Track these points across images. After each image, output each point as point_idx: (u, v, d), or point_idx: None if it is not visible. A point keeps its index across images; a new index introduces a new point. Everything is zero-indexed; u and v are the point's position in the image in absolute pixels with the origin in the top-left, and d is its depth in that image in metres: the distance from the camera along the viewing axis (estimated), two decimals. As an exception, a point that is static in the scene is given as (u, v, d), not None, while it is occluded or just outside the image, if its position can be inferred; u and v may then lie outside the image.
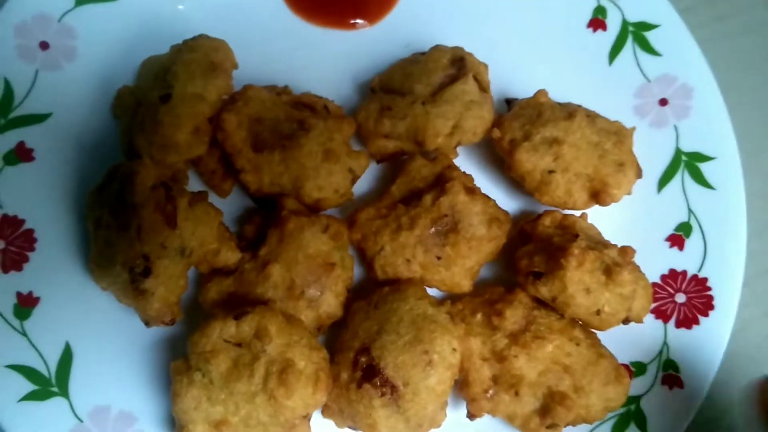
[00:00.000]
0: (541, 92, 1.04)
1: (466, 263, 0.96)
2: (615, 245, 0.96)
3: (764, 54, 1.25)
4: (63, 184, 1.02)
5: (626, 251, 0.96)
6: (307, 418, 0.87)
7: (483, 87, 1.03)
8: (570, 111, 1.00)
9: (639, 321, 0.94)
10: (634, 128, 1.03)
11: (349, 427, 0.92)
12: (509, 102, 1.06)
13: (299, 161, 0.96)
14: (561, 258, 0.90)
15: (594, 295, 0.90)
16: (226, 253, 0.92)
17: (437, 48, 1.05)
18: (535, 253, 0.94)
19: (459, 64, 1.02)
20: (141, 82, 1.02)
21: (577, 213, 1.01)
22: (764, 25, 1.27)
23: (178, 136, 0.92)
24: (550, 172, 0.98)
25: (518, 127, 1.00)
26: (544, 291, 0.92)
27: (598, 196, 0.97)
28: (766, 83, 1.24)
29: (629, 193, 0.99)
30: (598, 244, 0.95)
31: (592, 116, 1.02)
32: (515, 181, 1.02)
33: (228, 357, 0.85)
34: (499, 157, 1.04)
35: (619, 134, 1.01)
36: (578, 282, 0.90)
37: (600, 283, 0.90)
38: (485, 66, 1.05)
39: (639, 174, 1.01)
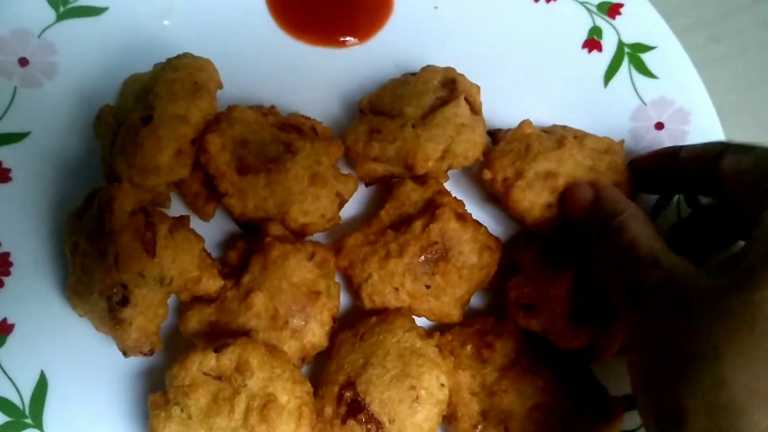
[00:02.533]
0: (526, 123, 1.00)
1: (456, 292, 0.94)
2: None
3: (762, 76, 1.24)
4: (41, 206, 0.99)
5: None
6: (289, 454, 0.85)
7: (475, 109, 1.01)
8: (558, 138, 0.98)
9: None
10: (623, 141, 1.01)
11: (333, 463, 0.89)
12: (493, 134, 1.02)
13: (285, 185, 0.93)
14: (551, 290, 0.88)
15: (587, 327, 0.88)
16: (207, 281, 0.89)
17: (428, 69, 1.03)
18: (525, 285, 0.92)
19: (450, 86, 1.00)
20: (122, 102, 0.99)
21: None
22: (762, 47, 1.25)
23: (159, 159, 0.89)
24: (550, 206, 0.94)
25: (509, 165, 0.96)
26: (535, 324, 0.90)
27: None
28: (763, 106, 1.22)
29: None
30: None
31: (580, 137, 1.00)
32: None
33: (207, 391, 0.82)
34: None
35: (611, 151, 0.99)
36: (569, 315, 0.87)
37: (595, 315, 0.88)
38: (477, 87, 1.02)
39: (632, 188, 0.99)
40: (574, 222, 0.92)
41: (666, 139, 1.07)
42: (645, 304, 0.75)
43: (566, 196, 0.93)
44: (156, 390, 0.85)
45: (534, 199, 0.94)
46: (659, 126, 1.07)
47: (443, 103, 0.98)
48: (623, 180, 0.97)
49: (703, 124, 1.07)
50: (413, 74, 1.04)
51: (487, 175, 0.97)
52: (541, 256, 0.95)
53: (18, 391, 0.92)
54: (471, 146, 0.97)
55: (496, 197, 0.99)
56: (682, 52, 1.09)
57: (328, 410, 0.86)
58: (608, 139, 1.01)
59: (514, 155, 0.97)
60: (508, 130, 1.01)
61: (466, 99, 0.98)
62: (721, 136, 1.06)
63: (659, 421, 0.70)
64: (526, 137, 0.99)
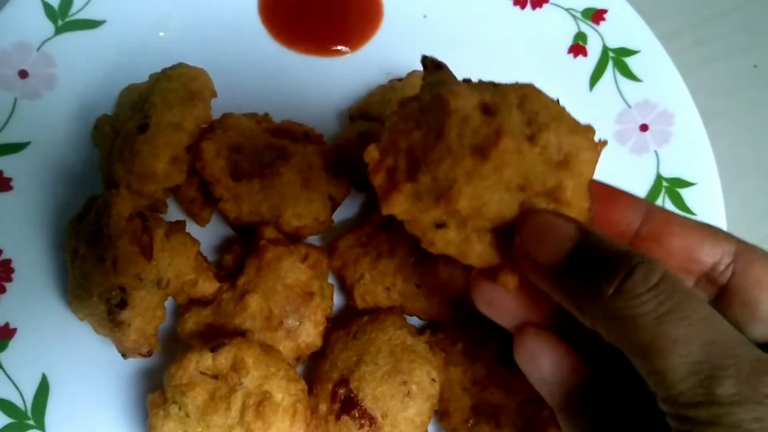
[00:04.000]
0: (454, 93, 0.62)
1: (447, 291, 0.95)
2: None
3: (745, 79, 1.26)
4: (42, 213, 1.02)
5: None
6: (285, 450, 0.87)
7: (462, 112, 1.03)
8: (492, 127, 0.61)
9: None
10: (601, 144, 0.65)
11: (329, 459, 0.91)
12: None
13: (278, 189, 0.95)
14: None
15: None
16: (203, 283, 0.91)
17: (414, 74, 1.06)
18: None
19: (437, 91, 1.02)
20: (119, 111, 1.02)
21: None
22: (745, 50, 1.28)
23: (155, 165, 0.92)
24: (439, 226, 0.64)
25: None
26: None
27: None
28: (746, 109, 1.24)
29: None
30: None
31: (533, 126, 0.62)
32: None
33: (204, 390, 0.84)
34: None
35: (566, 166, 0.62)
36: None
37: None
38: (464, 91, 1.04)
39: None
40: (533, 275, 0.64)
41: (650, 141, 1.09)
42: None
43: (528, 232, 0.62)
44: (155, 390, 0.87)
45: (418, 214, 0.65)
46: (644, 128, 1.10)
47: (430, 106, 1.00)
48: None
49: (686, 126, 1.09)
50: (400, 80, 1.06)
51: (373, 153, 0.68)
52: None
53: (20, 393, 0.94)
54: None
55: None
56: (665, 56, 1.12)
57: (323, 407, 0.88)
58: (580, 137, 0.63)
59: (423, 137, 0.65)
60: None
61: (452, 102, 1.01)
62: (704, 138, 1.08)
63: None
64: (448, 113, 0.62)
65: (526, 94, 0.64)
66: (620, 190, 0.70)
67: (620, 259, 0.55)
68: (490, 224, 0.64)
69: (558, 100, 0.67)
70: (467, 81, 0.69)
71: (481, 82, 0.68)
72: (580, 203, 0.63)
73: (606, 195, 0.68)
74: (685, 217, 0.67)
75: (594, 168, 0.63)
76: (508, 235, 0.64)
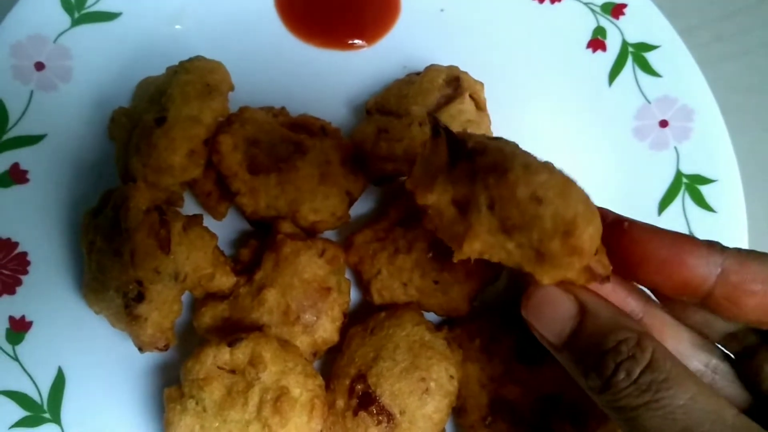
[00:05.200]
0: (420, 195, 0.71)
1: (464, 288, 0.95)
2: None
3: (765, 75, 1.25)
4: (57, 206, 1.01)
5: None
6: (301, 446, 0.86)
7: (480, 106, 1.02)
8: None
9: None
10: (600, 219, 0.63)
11: (345, 455, 0.90)
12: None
13: (295, 184, 0.95)
14: None
15: None
16: (220, 277, 0.91)
17: (432, 68, 1.05)
18: None
19: (455, 84, 1.02)
20: (136, 103, 1.01)
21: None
22: (765, 46, 1.26)
23: (173, 158, 0.91)
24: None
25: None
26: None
27: None
28: (766, 104, 1.23)
29: None
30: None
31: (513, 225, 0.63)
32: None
33: (222, 384, 0.84)
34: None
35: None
36: None
37: None
38: (481, 84, 1.04)
39: None
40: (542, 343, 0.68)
41: (670, 137, 1.08)
42: None
43: (528, 307, 0.66)
44: (171, 384, 0.87)
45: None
46: (663, 123, 1.09)
47: (448, 100, 1.00)
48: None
49: (706, 122, 1.08)
50: (418, 74, 1.05)
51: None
52: None
53: (36, 386, 0.94)
54: (477, 143, 0.98)
55: None
56: (685, 51, 1.11)
57: (340, 403, 0.88)
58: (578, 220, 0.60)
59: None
60: None
61: (470, 96, 1.00)
62: (725, 134, 1.07)
63: None
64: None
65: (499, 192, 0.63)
66: (690, 239, 0.66)
67: (609, 351, 0.58)
68: None
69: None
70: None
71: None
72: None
73: (672, 246, 0.65)
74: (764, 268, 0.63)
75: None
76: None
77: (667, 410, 0.55)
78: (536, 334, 0.66)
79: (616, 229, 0.67)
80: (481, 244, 0.65)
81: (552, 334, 0.63)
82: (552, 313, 0.63)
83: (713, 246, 0.65)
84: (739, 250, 0.64)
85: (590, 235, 0.59)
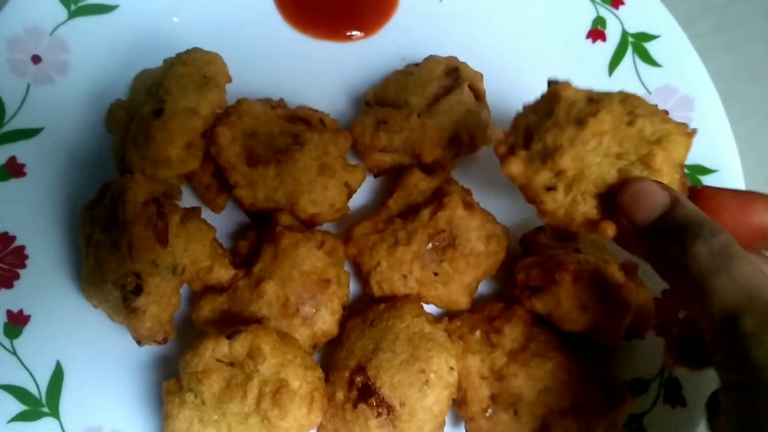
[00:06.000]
0: (564, 85, 0.81)
1: (464, 280, 0.95)
2: (617, 260, 0.94)
3: (765, 64, 1.24)
4: (55, 199, 1.01)
5: (629, 266, 0.93)
6: (301, 438, 0.86)
7: (479, 96, 1.02)
8: (591, 109, 0.77)
9: (641, 338, 0.92)
10: (690, 132, 0.77)
11: (345, 448, 0.90)
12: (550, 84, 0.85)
13: (294, 176, 0.94)
14: (556, 273, 0.88)
15: (591, 311, 0.88)
16: (218, 270, 0.90)
17: (431, 58, 1.04)
18: (532, 267, 0.92)
19: (454, 75, 1.01)
20: (133, 96, 1.01)
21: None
22: (765, 34, 1.26)
23: (170, 151, 0.91)
24: (548, 189, 0.79)
25: (521, 131, 0.82)
26: (540, 306, 0.90)
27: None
28: (767, 94, 1.22)
29: None
30: (600, 258, 0.93)
31: (630, 114, 0.77)
32: (516, 194, 1.00)
33: (220, 377, 0.83)
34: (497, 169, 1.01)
35: (660, 143, 0.75)
36: (573, 298, 0.88)
37: (598, 298, 0.88)
38: (480, 75, 1.03)
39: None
40: (626, 229, 0.75)
41: (671, 127, 1.07)
42: None
43: (626, 194, 0.73)
44: (170, 378, 0.87)
45: (531, 175, 0.79)
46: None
47: (447, 91, 1.00)
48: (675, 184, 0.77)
49: (707, 111, 1.08)
50: (416, 65, 1.05)
51: (498, 134, 0.84)
52: (552, 239, 0.96)
53: (35, 380, 0.93)
54: (477, 133, 0.98)
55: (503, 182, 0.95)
56: (685, 40, 1.10)
57: (340, 395, 0.87)
58: (669, 126, 0.76)
59: (538, 119, 0.81)
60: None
61: (469, 86, 1.00)
62: (725, 123, 1.07)
63: None
64: (556, 101, 0.80)
65: (627, 96, 0.79)
66: (757, 193, 0.79)
67: (692, 228, 0.67)
68: (594, 188, 0.76)
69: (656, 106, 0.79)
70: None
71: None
72: (671, 173, 0.75)
73: (741, 199, 0.78)
74: None
75: (685, 150, 0.76)
76: (608, 201, 0.76)
77: (734, 274, 0.63)
78: (625, 218, 0.74)
79: (693, 191, 0.79)
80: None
81: (642, 215, 0.71)
82: (647, 199, 0.71)
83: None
84: None
85: (684, 144, 0.76)
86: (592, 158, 0.76)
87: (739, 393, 0.62)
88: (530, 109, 0.83)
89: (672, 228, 0.69)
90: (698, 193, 0.78)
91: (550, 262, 0.91)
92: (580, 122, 0.76)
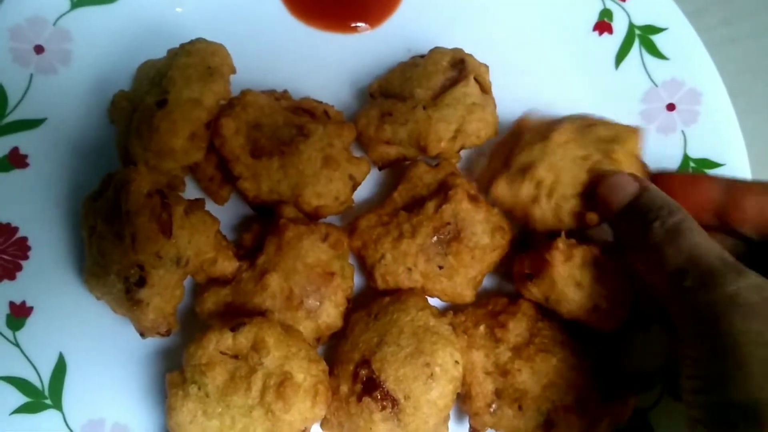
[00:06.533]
0: (527, 116, 1.01)
1: (469, 273, 0.94)
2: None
3: (773, 57, 1.23)
4: (58, 191, 1.00)
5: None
6: (305, 432, 0.85)
7: (485, 89, 1.01)
8: (551, 127, 0.94)
9: None
10: (637, 128, 0.95)
11: (349, 441, 0.90)
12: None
13: (298, 168, 0.93)
14: (546, 254, 0.88)
15: (586, 290, 0.88)
16: (222, 262, 0.90)
17: (437, 50, 1.03)
18: (526, 257, 0.92)
19: (459, 66, 1.00)
20: (137, 86, 1.00)
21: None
22: (773, 28, 1.25)
23: (174, 142, 0.90)
24: (534, 200, 0.92)
25: (499, 159, 0.97)
26: (536, 292, 0.91)
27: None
28: (775, 88, 1.22)
29: None
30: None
31: (585, 125, 0.94)
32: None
33: (224, 369, 0.83)
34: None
35: (617, 140, 0.92)
36: (567, 277, 0.88)
37: (593, 277, 0.88)
38: (486, 67, 1.02)
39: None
40: (605, 215, 0.90)
41: (677, 121, 1.07)
42: (714, 316, 0.70)
43: (603, 186, 0.88)
44: (173, 370, 0.86)
45: (515, 191, 0.93)
46: (671, 107, 1.07)
47: (453, 83, 0.99)
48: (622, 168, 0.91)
49: (714, 105, 1.07)
50: (422, 56, 1.04)
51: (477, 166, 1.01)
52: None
53: (37, 372, 0.93)
54: (483, 125, 0.97)
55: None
56: (692, 33, 1.09)
57: (344, 388, 0.87)
58: (620, 127, 0.95)
59: (509, 147, 0.97)
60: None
61: (475, 78, 0.99)
62: (733, 117, 1.06)
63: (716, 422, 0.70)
64: (521, 130, 0.99)
65: (581, 114, 0.98)
66: (703, 175, 1.00)
67: (654, 209, 0.81)
68: (571, 189, 0.90)
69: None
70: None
71: None
72: (630, 162, 0.91)
73: (689, 180, 0.92)
74: (757, 183, 0.88)
75: (637, 142, 0.94)
76: (585, 197, 0.90)
77: (682, 244, 0.77)
78: (601, 207, 0.89)
79: (653, 177, 0.92)
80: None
81: (617, 202, 0.85)
82: (620, 188, 0.86)
83: (720, 178, 0.90)
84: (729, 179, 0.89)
85: (634, 138, 0.93)
86: (563, 164, 0.91)
87: (689, 343, 0.74)
88: (500, 144, 1.00)
89: (638, 210, 0.83)
90: (656, 178, 0.91)
91: (540, 247, 0.91)
92: (546, 137, 0.92)
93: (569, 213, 0.91)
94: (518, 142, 0.95)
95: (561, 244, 0.89)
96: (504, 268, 0.99)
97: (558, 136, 0.92)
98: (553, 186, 0.91)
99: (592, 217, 0.90)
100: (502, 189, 0.93)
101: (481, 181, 0.98)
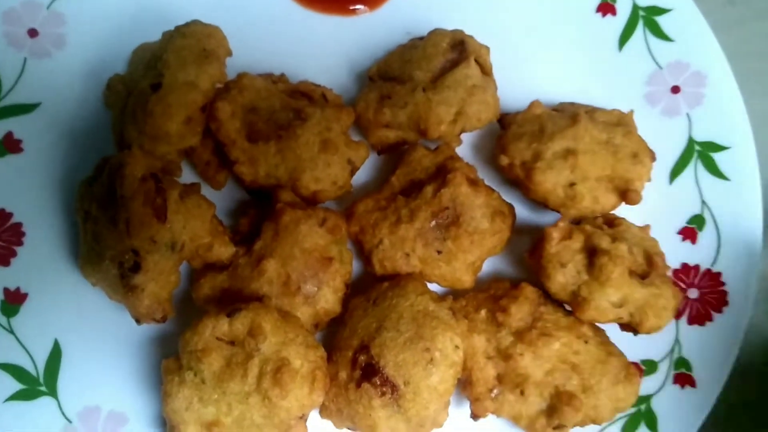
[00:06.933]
0: (535, 104, 1.00)
1: (468, 258, 0.93)
2: (648, 252, 0.91)
3: (780, 40, 1.21)
4: (52, 176, 1.00)
5: (654, 262, 0.90)
6: (303, 419, 0.84)
7: (485, 70, 1.00)
8: (570, 115, 0.97)
9: (645, 332, 0.90)
10: (632, 111, 1.00)
11: (348, 428, 0.89)
12: (502, 120, 1.01)
13: (296, 152, 0.92)
14: (546, 229, 0.91)
15: (568, 272, 0.88)
16: (219, 247, 0.89)
17: (436, 32, 1.02)
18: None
19: (459, 48, 0.99)
20: (132, 70, 0.99)
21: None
22: (779, 9, 1.23)
23: (169, 125, 0.89)
24: (572, 185, 0.94)
25: (525, 148, 0.95)
26: (531, 263, 0.93)
27: (625, 195, 0.94)
28: (781, 69, 1.20)
29: (650, 180, 0.96)
30: (633, 245, 0.91)
31: (590, 112, 0.99)
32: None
33: (221, 356, 0.82)
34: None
35: (623, 123, 0.99)
36: (554, 254, 0.89)
37: (581, 264, 0.88)
38: (487, 48, 1.01)
39: (653, 157, 0.98)
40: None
41: (682, 103, 1.05)
42: None
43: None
44: (170, 356, 0.85)
45: (556, 179, 0.93)
46: (675, 89, 1.06)
47: (453, 65, 0.97)
48: (640, 149, 0.96)
49: (719, 87, 1.05)
50: (421, 38, 1.03)
51: (504, 160, 0.96)
52: None
53: (32, 359, 0.93)
54: (484, 107, 0.96)
55: (514, 182, 0.99)
56: (697, 14, 1.07)
57: (343, 374, 0.86)
58: (618, 111, 1.00)
59: (529, 137, 0.96)
60: (516, 114, 1.00)
61: (476, 60, 0.98)
62: (738, 99, 1.04)
63: None
64: (537, 118, 0.98)
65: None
66: None
67: None
68: (602, 172, 0.94)
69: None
70: None
71: None
72: (642, 144, 0.98)
73: None
74: None
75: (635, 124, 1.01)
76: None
77: None
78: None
79: None
80: None
81: None
82: None
83: None
84: None
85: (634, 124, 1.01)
86: (592, 147, 0.94)
87: None
88: (515, 135, 0.97)
89: None
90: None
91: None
92: (570, 124, 0.95)
93: (603, 194, 0.94)
94: (542, 131, 0.96)
95: (561, 223, 0.90)
96: (507, 252, 0.98)
97: (584, 121, 0.95)
98: (588, 169, 0.94)
99: (634, 197, 0.93)
100: (539, 177, 0.93)
101: (512, 171, 0.97)
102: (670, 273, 0.98)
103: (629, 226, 0.94)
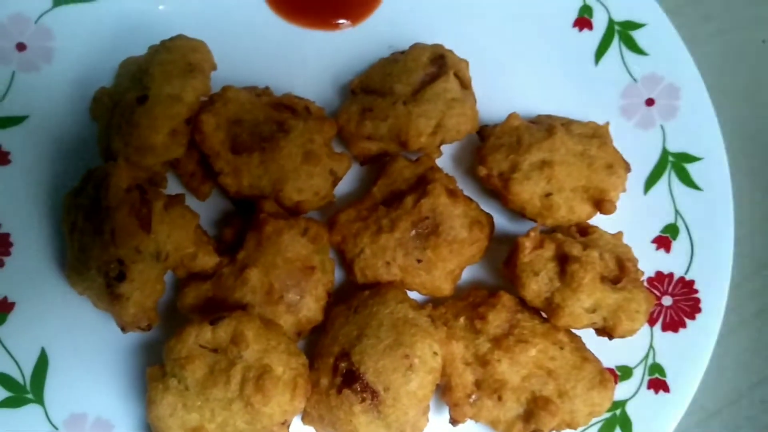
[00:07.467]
0: (513, 116, 1.01)
1: (447, 266, 0.95)
2: (620, 258, 0.93)
3: (752, 55, 1.24)
4: (40, 187, 1.01)
5: (625, 267, 0.92)
6: (285, 425, 0.86)
7: (465, 84, 1.02)
8: (547, 127, 1.00)
9: (620, 336, 0.92)
10: (608, 123, 1.03)
11: (330, 434, 0.90)
12: (481, 132, 1.03)
13: (279, 163, 0.94)
14: (518, 239, 0.93)
15: (541, 280, 0.90)
16: (203, 257, 0.91)
17: (416, 46, 1.04)
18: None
19: (439, 62, 1.01)
20: (118, 83, 1.00)
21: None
22: (751, 23, 1.26)
23: (154, 138, 0.91)
24: (548, 195, 0.96)
25: (503, 159, 0.98)
26: (506, 273, 0.95)
27: (600, 205, 0.96)
28: (753, 83, 1.22)
29: (624, 191, 0.99)
30: (605, 252, 0.93)
31: (566, 124, 1.02)
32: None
33: (204, 363, 0.83)
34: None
35: (598, 135, 1.01)
36: (527, 263, 0.91)
37: (553, 272, 0.90)
38: (466, 62, 1.03)
39: (628, 168, 1.01)
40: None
41: (657, 115, 1.08)
42: None
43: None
44: (154, 364, 0.87)
45: (533, 189, 0.96)
46: (650, 102, 1.08)
47: (433, 78, 0.99)
48: (614, 160, 0.99)
49: (693, 100, 1.08)
50: (402, 52, 1.05)
51: (482, 171, 0.98)
52: None
53: (19, 367, 0.94)
54: (462, 120, 0.98)
55: (492, 192, 1.01)
56: (671, 29, 1.10)
57: (324, 381, 0.87)
58: (593, 123, 1.03)
59: (507, 149, 0.98)
60: (495, 126, 1.02)
61: (455, 74, 1.00)
62: (711, 112, 1.07)
63: None
64: (515, 130, 1.00)
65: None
66: None
67: None
68: (577, 183, 0.96)
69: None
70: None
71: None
72: (617, 155, 1.01)
73: None
74: None
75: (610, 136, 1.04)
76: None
77: None
78: None
79: None
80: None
81: None
82: None
83: None
84: None
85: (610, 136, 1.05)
86: (568, 159, 0.97)
87: None
88: (493, 147, 0.99)
89: None
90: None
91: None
92: (546, 136, 0.98)
93: (579, 204, 0.97)
94: (518, 142, 0.98)
95: (533, 232, 0.92)
96: (485, 261, 1.00)
97: (560, 133, 0.98)
98: (564, 180, 0.96)
99: (609, 207, 0.96)
100: (516, 188, 0.95)
101: (490, 182, 0.99)
102: (644, 279, 1.00)
103: (602, 233, 0.97)
